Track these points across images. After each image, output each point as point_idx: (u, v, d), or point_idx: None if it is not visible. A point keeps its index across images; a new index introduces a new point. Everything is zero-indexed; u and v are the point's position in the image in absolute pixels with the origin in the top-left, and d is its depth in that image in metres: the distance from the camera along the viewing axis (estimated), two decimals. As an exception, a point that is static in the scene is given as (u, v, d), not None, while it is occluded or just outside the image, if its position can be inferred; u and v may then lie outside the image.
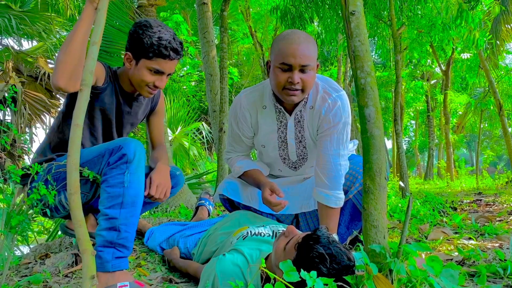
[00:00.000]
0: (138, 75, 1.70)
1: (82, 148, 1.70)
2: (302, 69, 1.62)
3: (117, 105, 1.82)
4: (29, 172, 1.50)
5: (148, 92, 1.75)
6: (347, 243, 1.92)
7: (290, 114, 1.84)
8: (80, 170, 1.51)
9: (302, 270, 1.03)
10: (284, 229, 1.36)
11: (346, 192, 1.83)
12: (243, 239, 1.55)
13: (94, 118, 1.78)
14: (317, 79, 1.79)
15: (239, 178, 2.05)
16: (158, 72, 1.70)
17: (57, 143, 1.78)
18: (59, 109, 7.34)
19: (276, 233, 1.59)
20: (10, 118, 6.62)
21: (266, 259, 1.35)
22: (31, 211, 1.47)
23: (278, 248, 1.27)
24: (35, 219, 1.62)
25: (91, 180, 1.53)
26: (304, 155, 1.96)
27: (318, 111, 1.79)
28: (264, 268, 1.06)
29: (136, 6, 4.70)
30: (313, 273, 1.01)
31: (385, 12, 6.09)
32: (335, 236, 1.69)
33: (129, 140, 1.49)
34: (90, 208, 1.91)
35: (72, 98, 1.72)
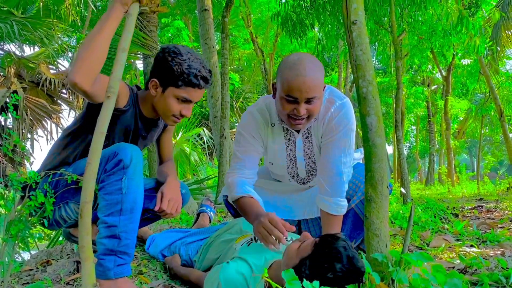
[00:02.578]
0: (164, 104, 1.66)
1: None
2: (308, 101, 1.58)
3: (135, 129, 1.77)
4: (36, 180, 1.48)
5: (173, 121, 1.71)
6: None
7: (298, 132, 1.82)
8: (78, 179, 1.51)
9: (310, 270, 1.04)
10: (287, 236, 1.37)
11: (348, 201, 1.82)
12: (248, 245, 1.55)
13: (115, 137, 1.72)
14: None
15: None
16: (186, 101, 1.66)
17: (64, 159, 1.70)
18: (60, 115, 7.34)
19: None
20: (11, 123, 6.64)
21: (269, 267, 1.35)
22: (32, 216, 1.47)
23: (291, 249, 1.27)
24: (35, 225, 1.60)
25: None
26: (313, 171, 1.93)
27: (322, 120, 1.77)
28: (267, 278, 1.06)
29: (138, 13, 4.73)
30: (316, 282, 1.01)
31: (386, 19, 6.12)
32: None
33: (124, 146, 1.46)
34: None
35: (89, 112, 1.65)
